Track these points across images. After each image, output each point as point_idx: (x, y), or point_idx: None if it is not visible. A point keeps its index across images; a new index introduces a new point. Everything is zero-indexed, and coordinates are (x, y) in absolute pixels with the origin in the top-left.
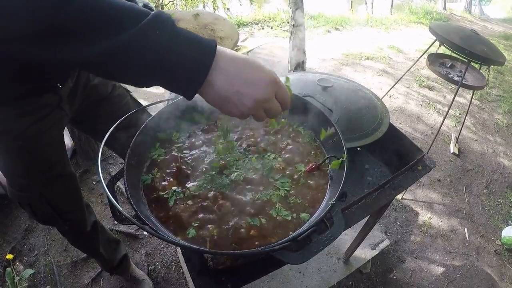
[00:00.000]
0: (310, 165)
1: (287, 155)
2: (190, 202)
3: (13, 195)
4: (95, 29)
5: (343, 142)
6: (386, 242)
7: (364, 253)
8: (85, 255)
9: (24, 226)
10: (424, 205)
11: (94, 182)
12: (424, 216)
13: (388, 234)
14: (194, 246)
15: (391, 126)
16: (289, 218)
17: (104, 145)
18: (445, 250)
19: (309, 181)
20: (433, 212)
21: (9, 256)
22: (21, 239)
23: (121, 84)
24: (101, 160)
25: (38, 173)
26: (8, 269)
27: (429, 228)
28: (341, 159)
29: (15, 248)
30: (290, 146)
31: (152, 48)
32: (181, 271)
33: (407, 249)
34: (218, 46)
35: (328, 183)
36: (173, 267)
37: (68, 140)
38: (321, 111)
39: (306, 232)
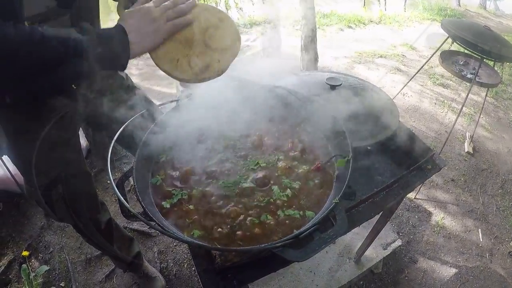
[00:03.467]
0: (316, 163)
1: (292, 154)
2: (196, 202)
3: (30, 193)
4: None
5: (349, 141)
6: (398, 242)
7: (376, 253)
8: (99, 252)
9: (39, 224)
10: (437, 205)
11: (108, 182)
12: (437, 216)
13: (400, 234)
14: (197, 241)
15: (401, 125)
16: (296, 216)
17: (117, 143)
18: (458, 251)
19: (315, 180)
20: (447, 212)
21: (25, 253)
22: (36, 236)
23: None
24: (115, 160)
25: (54, 172)
26: (24, 265)
27: (442, 229)
28: (346, 158)
29: (31, 246)
30: (297, 145)
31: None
32: (193, 268)
33: (419, 249)
34: (122, 26)
35: (334, 182)
36: (185, 265)
37: (82, 141)
38: (328, 110)
39: (308, 230)
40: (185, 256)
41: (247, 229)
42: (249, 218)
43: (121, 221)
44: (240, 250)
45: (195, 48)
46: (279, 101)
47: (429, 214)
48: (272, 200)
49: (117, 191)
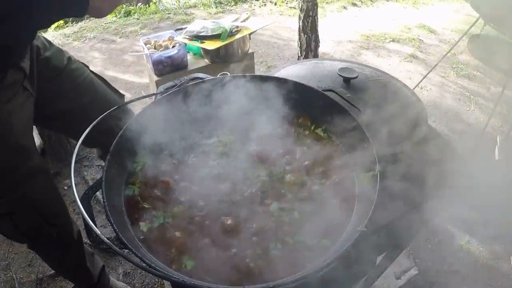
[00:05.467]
0: (332, 178)
1: (302, 165)
2: (182, 223)
3: None
4: None
5: (374, 152)
6: (414, 271)
7: (387, 283)
8: (52, 271)
9: None
10: (461, 225)
11: (65, 187)
12: (462, 239)
13: (417, 260)
14: (195, 282)
15: (432, 130)
16: (307, 244)
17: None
18: (485, 283)
19: (330, 197)
20: (473, 234)
21: None
22: None
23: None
24: (74, 162)
25: (16, 167)
26: None
27: (467, 254)
28: (371, 172)
29: None
30: (307, 154)
31: None
32: None
33: (439, 280)
34: None
35: (356, 202)
36: None
37: (36, 139)
38: (345, 109)
39: (330, 266)
40: (156, 280)
41: (247, 260)
42: (248, 247)
43: None
44: None
45: None
46: (283, 97)
47: (452, 236)
48: (274, 224)
49: (82, 210)
